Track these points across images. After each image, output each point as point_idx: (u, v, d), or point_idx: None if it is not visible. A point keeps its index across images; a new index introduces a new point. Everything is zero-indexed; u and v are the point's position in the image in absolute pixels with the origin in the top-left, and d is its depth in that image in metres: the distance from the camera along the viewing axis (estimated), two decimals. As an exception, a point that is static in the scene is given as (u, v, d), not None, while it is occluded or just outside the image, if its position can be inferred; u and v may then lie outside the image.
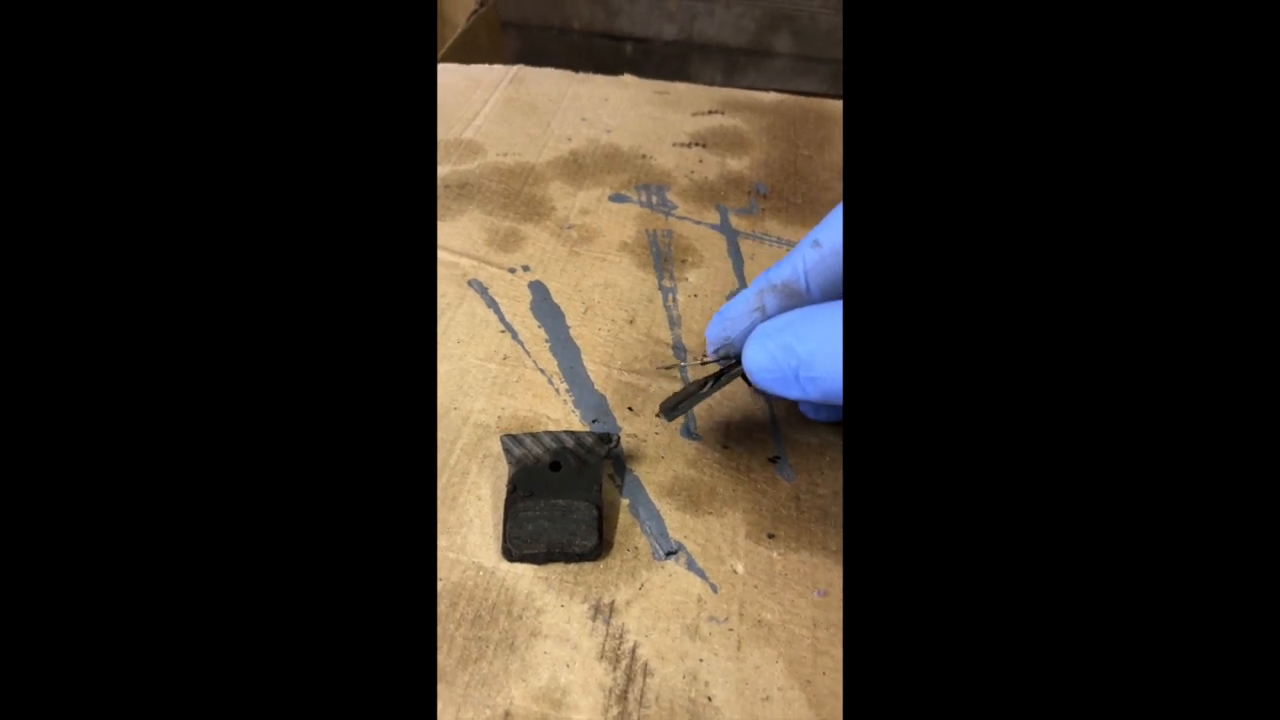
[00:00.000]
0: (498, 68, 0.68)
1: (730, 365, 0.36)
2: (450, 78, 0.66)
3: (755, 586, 0.33)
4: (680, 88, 0.67)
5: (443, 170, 0.55)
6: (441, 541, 0.34)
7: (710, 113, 0.64)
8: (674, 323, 0.45)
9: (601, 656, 0.31)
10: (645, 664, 0.30)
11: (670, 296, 0.47)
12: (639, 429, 0.39)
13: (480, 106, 0.62)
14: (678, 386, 0.41)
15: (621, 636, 0.31)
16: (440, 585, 0.32)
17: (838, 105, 0.66)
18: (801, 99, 0.67)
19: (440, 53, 0.69)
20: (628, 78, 0.68)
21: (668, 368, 0.40)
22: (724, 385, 0.36)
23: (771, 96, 0.67)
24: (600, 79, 0.67)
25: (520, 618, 0.32)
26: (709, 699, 0.29)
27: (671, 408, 0.36)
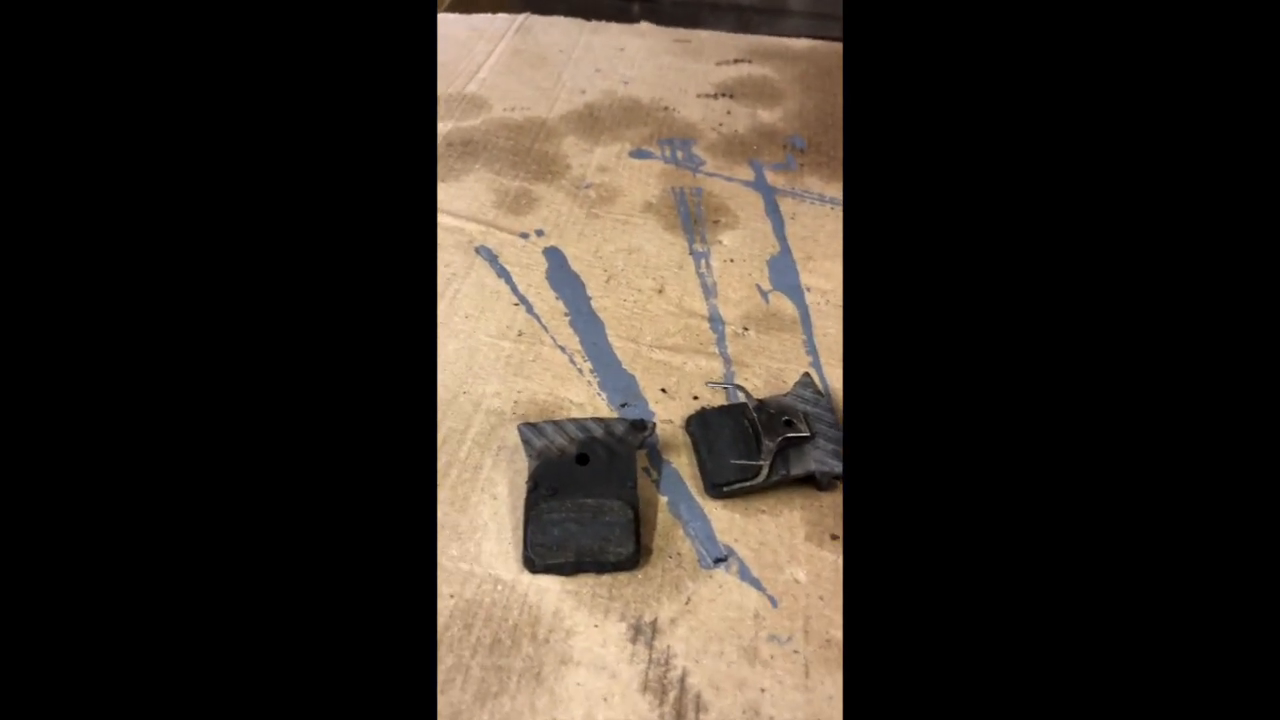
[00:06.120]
0: (501, 17, 0.62)
1: (793, 439, 0.31)
2: (450, 28, 0.61)
3: (821, 598, 0.28)
4: (702, 35, 0.61)
5: (444, 127, 0.50)
6: (452, 551, 0.29)
7: (736, 61, 0.58)
8: (709, 291, 0.40)
9: (645, 688, 0.26)
10: (697, 696, 0.26)
11: (703, 262, 0.42)
12: (675, 413, 0.34)
13: (484, 59, 0.57)
14: (719, 377, 0.36)
15: (667, 662, 0.26)
16: (452, 603, 0.27)
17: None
18: (836, 45, 0.61)
19: (441, 5, 0.64)
20: (644, 25, 0.62)
21: (717, 385, 0.35)
22: (790, 479, 0.31)
23: (803, 43, 0.61)
24: (615, 27, 0.62)
25: (547, 641, 0.27)
26: (775, 738, 0.25)
27: (723, 484, 0.31)
